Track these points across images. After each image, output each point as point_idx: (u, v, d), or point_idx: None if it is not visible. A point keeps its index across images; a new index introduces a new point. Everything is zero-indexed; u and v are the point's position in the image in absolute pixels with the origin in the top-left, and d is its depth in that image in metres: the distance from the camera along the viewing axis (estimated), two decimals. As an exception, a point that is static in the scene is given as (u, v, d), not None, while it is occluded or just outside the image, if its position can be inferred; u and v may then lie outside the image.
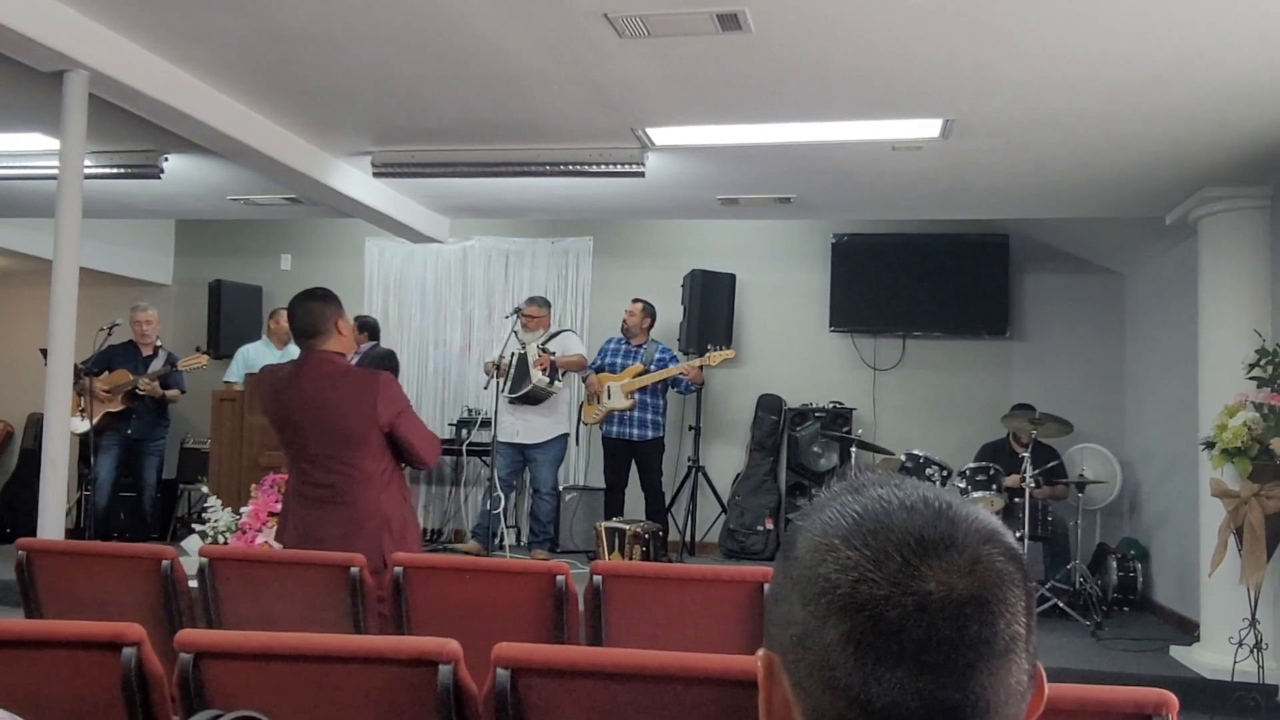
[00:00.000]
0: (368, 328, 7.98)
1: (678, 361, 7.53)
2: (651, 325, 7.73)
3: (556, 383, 7.30)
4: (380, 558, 3.38)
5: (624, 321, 7.69)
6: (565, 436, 7.65)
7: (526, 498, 8.66)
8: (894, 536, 0.72)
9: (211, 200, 7.38)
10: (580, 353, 7.60)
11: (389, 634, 3.07)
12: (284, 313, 7.95)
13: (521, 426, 7.42)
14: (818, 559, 0.73)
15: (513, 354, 7.37)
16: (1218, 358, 5.47)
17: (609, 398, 7.43)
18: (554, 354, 7.32)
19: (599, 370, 7.61)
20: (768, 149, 5.40)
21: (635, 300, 7.77)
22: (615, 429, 7.45)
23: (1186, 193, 5.75)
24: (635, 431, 7.41)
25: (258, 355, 7.75)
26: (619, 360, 7.59)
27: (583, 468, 8.63)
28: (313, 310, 3.64)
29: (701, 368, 7.35)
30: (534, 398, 7.29)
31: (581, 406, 7.76)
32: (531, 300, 7.70)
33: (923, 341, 8.30)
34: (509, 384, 7.29)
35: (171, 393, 7.67)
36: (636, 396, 7.38)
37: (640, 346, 7.57)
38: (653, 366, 7.43)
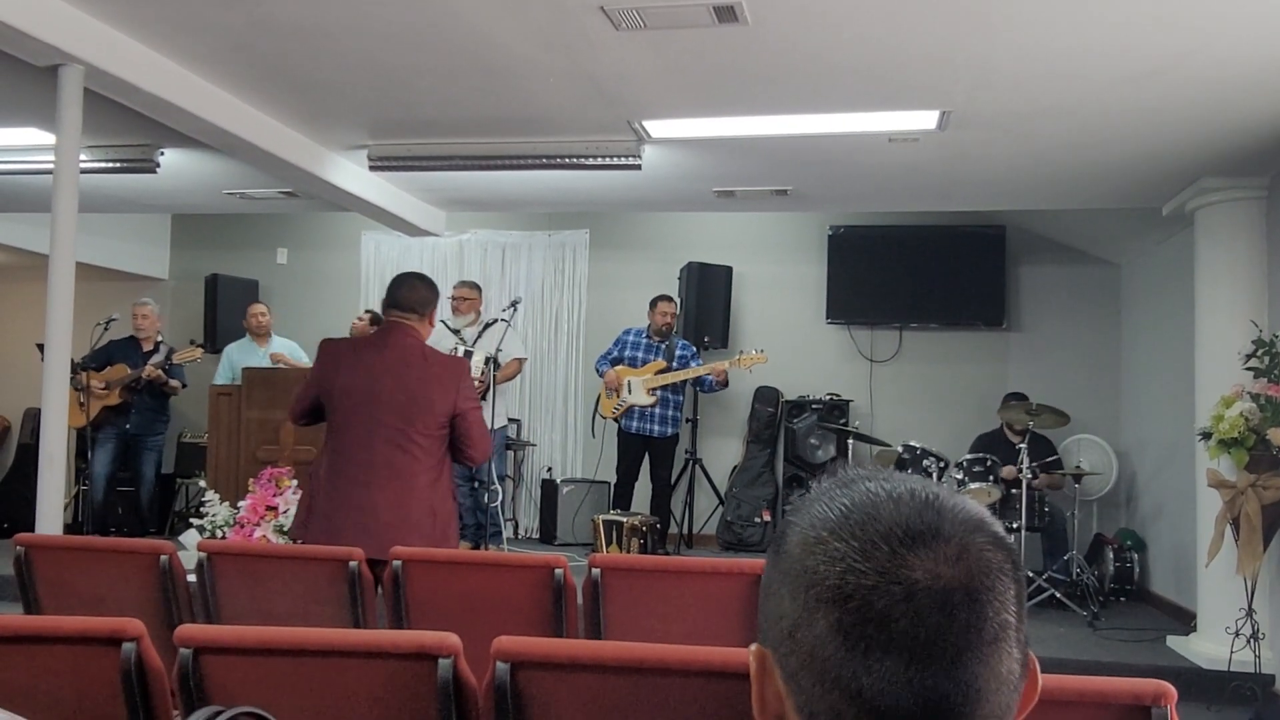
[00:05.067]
0: (379, 322, 7.94)
1: (698, 357, 7.45)
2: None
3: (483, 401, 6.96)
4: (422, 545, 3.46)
5: (662, 323, 7.42)
6: (503, 429, 7.46)
7: (524, 490, 8.69)
8: (880, 527, 0.72)
9: (207, 194, 7.37)
10: (518, 356, 7.16)
11: (389, 628, 3.07)
12: (261, 307, 7.94)
13: None
14: (806, 552, 0.74)
15: (457, 347, 6.98)
16: (1214, 348, 5.48)
17: (629, 392, 7.32)
18: (496, 364, 6.78)
19: (616, 362, 7.47)
20: (764, 141, 5.40)
21: (668, 299, 7.57)
22: (635, 424, 7.35)
23: (1183, 184, 5.75)
24: (656, 428, 7.34)
25: (241, 355, 7.73)
26: (640, 355, 7.44)
27: (580, 460, 8.64)
28: (417, 289, 3.73)
29: (728, 369, 7.25)
30: None
31: (598, 400, 7.64)
32: (462, 283, 7.43)
33: (919, 333, 8.31)
34: None
35: (174, 383, 7.65)
36: (659, 393, 7.29)
37: (663, 342, 7.45)
38: (675, 364, 7.32)
